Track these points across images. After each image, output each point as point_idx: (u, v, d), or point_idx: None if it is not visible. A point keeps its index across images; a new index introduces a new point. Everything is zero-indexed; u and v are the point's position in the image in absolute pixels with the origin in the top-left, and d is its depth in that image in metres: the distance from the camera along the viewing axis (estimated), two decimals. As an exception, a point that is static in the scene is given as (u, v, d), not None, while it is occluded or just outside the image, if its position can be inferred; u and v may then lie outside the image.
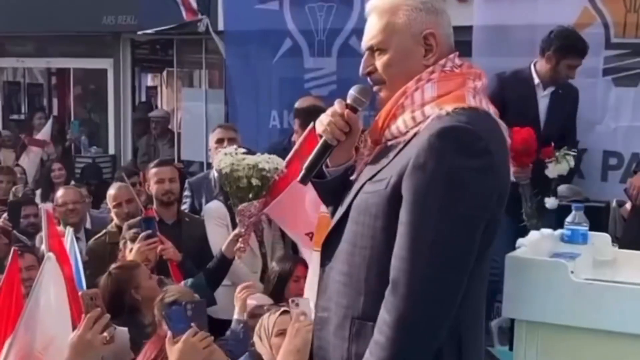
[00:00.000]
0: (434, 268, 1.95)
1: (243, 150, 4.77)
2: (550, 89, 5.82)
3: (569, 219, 2.74)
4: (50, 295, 3.07)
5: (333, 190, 2.38)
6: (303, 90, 7.82)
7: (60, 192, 6.18)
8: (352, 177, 2.32)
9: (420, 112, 2.09)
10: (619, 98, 6.68)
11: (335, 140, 2.28)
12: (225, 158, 4.66)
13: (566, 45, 5.81)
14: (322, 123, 2.30)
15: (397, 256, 2.00)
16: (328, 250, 2.27)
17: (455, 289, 1.97)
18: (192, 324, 3.06)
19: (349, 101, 2.30)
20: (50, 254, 3.23)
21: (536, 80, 5.78)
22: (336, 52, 7.74)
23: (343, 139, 2.30)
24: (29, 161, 9.53)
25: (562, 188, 5.66)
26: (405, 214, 2.00)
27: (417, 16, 2.16)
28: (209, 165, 9.07)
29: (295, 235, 4.86)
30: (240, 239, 4.74)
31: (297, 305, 2.99)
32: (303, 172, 2.34)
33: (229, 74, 8.42)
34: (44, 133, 9.99)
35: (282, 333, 3.58)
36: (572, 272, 2.23)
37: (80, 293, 3.06)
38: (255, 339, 3.66)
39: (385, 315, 1.99)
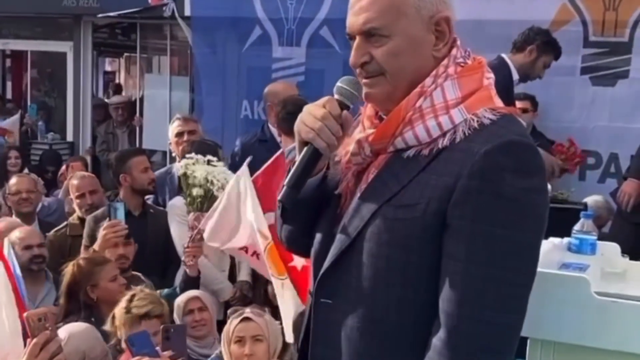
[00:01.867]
0: (501, 312, 1.66)
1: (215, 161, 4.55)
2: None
3: (576, 227, 2.54)
4: (1, 310, 2.73)
5: (304, 207, 1.95)
6: (270, 80, 7.60)
7: (13, 180, 5.93)
8: (338, 191, 1.93)
9: (447, 117, 1.75)
10: (596, 97, 6.60)
11: (328, 149, 1.85)
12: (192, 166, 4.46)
13: (550, 42, 5.70)
14: (309, 127, 1.84)
15: (450, 300, 1.67)
16: (327, 287, 1.86)
17: (514, 332, 1.69)
18: (157, 349, 2.82)
19: (336, 97, 1.86)
20: None
21: (515, 76, 5.63)
22: (306, 42, 7.54)
23: (336, 145, 1.86)
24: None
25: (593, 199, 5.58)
26: (461, 248, 1.67)
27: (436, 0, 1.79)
28: (173, 157, 8.83)
29: (230, 251, 4.62)
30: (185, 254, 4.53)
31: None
32: (286, 188, 1.87)
33: (195, 61, 8.15)
34: (11, 123, 9.55)
35: (239, 340, 3.55)
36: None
37: (25, 314, 2.44)
38: (221, 344, 3.60)
39: None
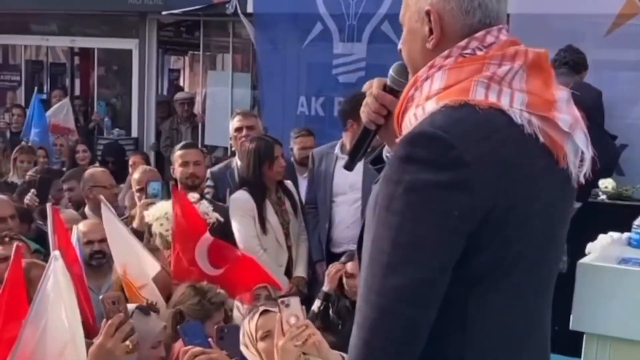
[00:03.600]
0: (386, 298, 1.64)
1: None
2: None
3: (637, 221, 2.50)
4: (59, 298, 2.80)
5: None
6: (331, 77, 7.66)
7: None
8: None
9: (422, 108, 1.72)
10: (663, 92, 6.44)
11: (372, 124, 1.97)
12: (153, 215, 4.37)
13: (581, 61, 5.67)
14: (365, 108, 1.99)
15: (360, 279, 1.74)
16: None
17: (410, 322, 1.64)
18: (210, 340, 2.87)
19: (388, 82, 1.96)
20: (57, 253, 2.93)
21: None
22: (367, 38, 7.54)
23: (381, 122, 1.97)
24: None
25: None
26: (369, 232, 1.71)
27: None
28: (233, 153, 8.90)
29: None
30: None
31: (287, 306, 2.70)
32: (347, 158, 2.08)
33: (257, 58, 8.21)
34: (67, 120, 9.76)
35: (267, 335, 3.27)
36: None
37: (101, 297, 2.75)
38: (242, 348, 3.30)
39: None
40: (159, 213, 4.29)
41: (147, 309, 3.20)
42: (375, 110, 1.94)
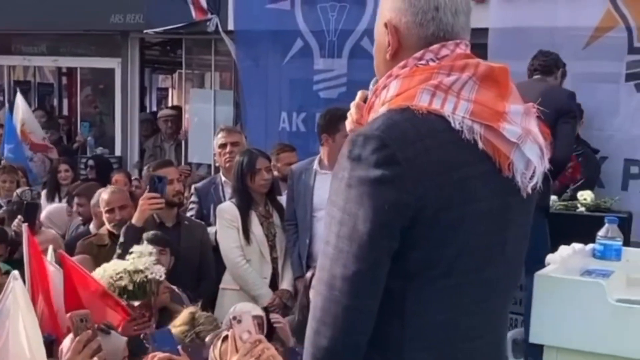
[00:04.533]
0: (329, 288, 1.74)
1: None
2: None
3: (601, 232, 2.49)
4: (16, 317, 2.80)
5: None
6: (312, 92, 7.68)
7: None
8: None
9: (374, 114, 1.84)
10: (642, 104, 6.46)
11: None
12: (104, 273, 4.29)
13: (549, 62, 5.71)
14: (350, 117, 2.10)
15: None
16: None
17: (349, 312, 1.74)
18: (178, 347, 2.89)
19: (369, 95, 2.00)
20: (15, 272, 2.97)
21: None
22: (347, 53, 7.56)
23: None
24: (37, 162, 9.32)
25: None
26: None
27: (389, 3, 1.88)
28: (217, 169, 8.90)
29: None
30: None
31: (239, 322, 2.70)
32: None
33: (239, 75, 8.22)
34: (37, 134, 9.61)
35: None
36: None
37: (68, 315, 2.78)
38: None
39: None
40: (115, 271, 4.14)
41: (107, 329, 3.21)
42: (356, 120, 2.04)
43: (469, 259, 1.78)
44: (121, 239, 4.55)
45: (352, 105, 2.08)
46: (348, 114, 2.08)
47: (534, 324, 2.05)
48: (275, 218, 5.17)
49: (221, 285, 5.11)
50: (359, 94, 2.06)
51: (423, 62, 1.82)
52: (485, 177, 1.77)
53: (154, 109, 12.21)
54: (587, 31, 6.59)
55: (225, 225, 5.05)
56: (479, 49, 7.18)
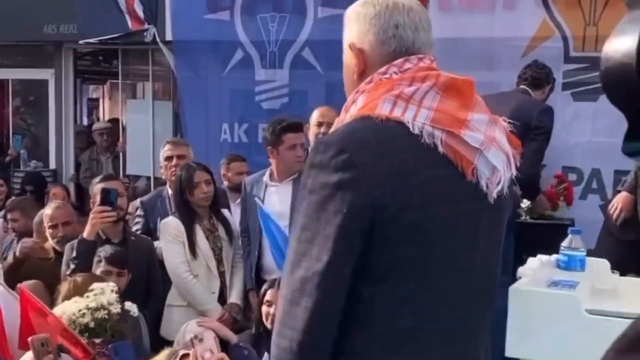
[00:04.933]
0: (290, 291, 1.81)
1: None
2: None
3: (564, 243, 2.52)
4: None
5: None
6: (254, 103, 7.64)
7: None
8: None
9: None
10: (578, 113, 6.60)
11: None
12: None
13: (541, 76, 5.82)
14: None
15: None
16: None
17: (310, 314, 1.77)
18: None
19: None
20: None
21: None
22: (289, 64, 7.55)
23: None
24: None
25: None
26: None
27: (351, 27, 2.01)
28: (157, 181, 8.78)
29: None
30: None
31: (200, 340, 2.70)
32: None
33: (178, 85, 8.13)
34: None
35: None
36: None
37: (30, 339, 2.73)
38: None
39: None
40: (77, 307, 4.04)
41: (59, 351, 3.15)
42: None
43: (434, 264, 1.82)
44: (73, 254, 4.49)
45: None
46: None
47: (510, 337, 2.06)
48: (221, 231, 5.12)
49: (167, 302, 5.03)
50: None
51: (387, 75, 1.91)
52: (448, 182, 1.83)
53: (85, 119, 12.00)
54: (524, 41, 6.71)
55: (170, 240, 4.98)
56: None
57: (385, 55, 1.94)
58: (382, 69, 1.92)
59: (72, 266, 4.38)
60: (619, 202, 5.14)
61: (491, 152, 1.86)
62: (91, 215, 4.60)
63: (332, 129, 2.03)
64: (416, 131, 1.80)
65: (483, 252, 1.91)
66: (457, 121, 1.84)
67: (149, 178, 8.87)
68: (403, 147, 1.80)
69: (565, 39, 6.67)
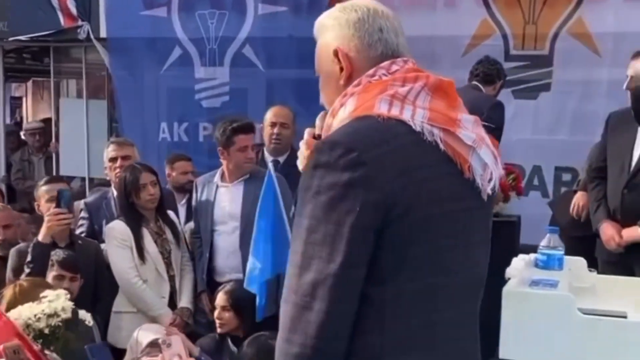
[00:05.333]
0: (300, 296, 1.75)
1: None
2: None
3: (543, 242, 2.52)
4: None
5: None
6: (194, 102, 7.52)
7: None
8: None
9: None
10: (518, 110, 6.69)
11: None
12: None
13: (492, 72, 5.87)
14: (300, 154, 2.09)
15: None
16: None
17: (324, 318, 1.73)
18: None
19: (317, 131, 2.08)
20: None
21: None
22: (229, 62, 7.44)
23: None
24: None
25: None
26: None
27: (331, 34, 2.00)
28: (91, 181, 8.58)
29: None
30: None
31: (169, 345, 2.64)
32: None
33: (113, 84, 7.94)
34: None
35: None
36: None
37: (1, 347, 2.62)
38: None
39: None
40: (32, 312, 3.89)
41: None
42: (306, 156, 2.00)
43: (439, 260, 1.83)
44: (29, 258, 4.38)
45: (302, 143, 2.09)
46: (299, 153, 2.09)
47: (504, 339, 2.04)
48: (168, 234, 5.00)
49: (115, 309, 4.88)
50: (307, 132, 2.08)
51: (376, 77, 1.91)
52: (449, 179, 1.84)
53: (8, 119, 11.64)
54: (465, 39, 6.78)
55: (117, 245, 4.82)
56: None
57: (372, 59, 1.94)
58: (370, 72, 1.91)
59: (27, 270, 4.27)
60: (578, 200, 5.20)
61: (482, 150, 1.89)
62: (46, 218, 4.47)
63: (321, 133, 2.01)
64: (417, 129, 1.80)
65: (477, 248, 1.94)
66: (450, 120, 1.86)
67: (83, 179, 8.65)
68: (407, 144, 1.80)
69: (505, 37, 6.77)
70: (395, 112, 1.82)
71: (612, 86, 6.33)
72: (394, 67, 1.92)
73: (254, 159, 5.12)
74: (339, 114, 1.91)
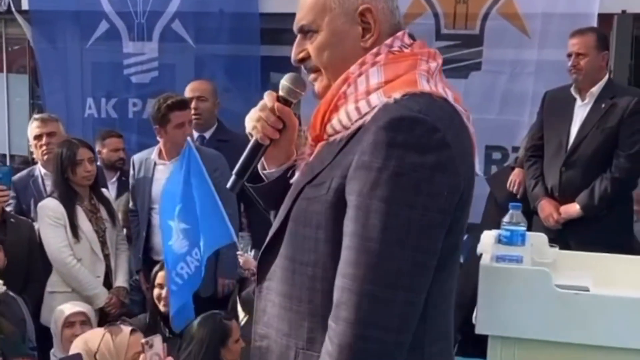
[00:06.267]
0: (381, 286, 1.62)
1: None
2: None
3: (506, 218, 2.54)
4: None
5: (274, 195, 2.03)
6: (123, 77, 7.33)
7: None
8: (292, 180, 1.98)
9: (365, 101, 1.77)
10: (449, 89, 6.73)
11: (267, 139, 1.98)
12: None
13: None
14: (251, 119, 1.98)
15: (340, 273, 1.67)
16: (264, 266, 1.93)
17: (408, 309, 1.64)
18: None
19: (281, 93, 1.99)
20: None
21: None
22: (157, 37, 7.26)
23: (276, 137, 1.99)
24: None
25: None
26: (349, 223, 1.67)
27: None
28: (12, 158, 8.30)
29: None
30: None
31: (151, 346, 2.63)
32: (233, 177, 2.01)
33: (36, 58, 7.67)
34: None
35: None
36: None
37: None
38: None
39: (328, 345, 1.67)
40: None
41: None
42: (272, 124, 1.95)
43: (458, 248, 1.81)
44: None
45: (262, 108, 1.97)
46: (255, 118, 1.97)
47: (481, 315, 2.05)
48: (103, 212, 4.90)
49: (48, 289, 4.78)
50: (268, 95, 1.98)
51: (395, 48, 1.83)
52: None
53: None
54: (395, 18, 6.77)
55: (50, 223, 4.73)
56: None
57: (391, 27, 1.87)
58: (389, 41, 1.84)
59: None
60: (515, 177, 5.29)
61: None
62: None
63: (289, 98, 1.95)
64: (460, 110, 1.77)
65: None
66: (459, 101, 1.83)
67: (4, 155, 8.36)
68: (461, 126, 1.75)
69: (436, 16, 6.79)
70: (440, 90, 1.76)
71: (540, 66, 6.47)
72: (407, 39, 1.87)
73: (192, 136, 5.05)
74: (357, 83, 1.80)
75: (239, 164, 2.00)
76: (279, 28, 7.51)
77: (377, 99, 1.75)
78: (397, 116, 1.66)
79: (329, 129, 1.85)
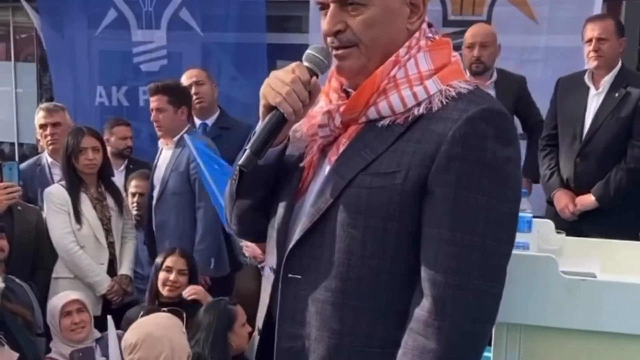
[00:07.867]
0: (486, 281, 1.64)
1: None
2: None
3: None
4: None
5: (263, 178, 1.92)
6: (132, 65, 7.34)
7: None
8: (302, 164, 1.89)
9: (421, 87, 1.74)
10: (456, 75, 6.70)
11: (294, 115, 1.80)
12: None
13: None
14: (276, 91, 1.79)
15: (437, 267, 1.64)
16: (297, 262, 1.80)
17: (499, 301, 1.67)
18: None
19: (306, 64, 1.84)
20: None
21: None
22: (165, 25, 7.27)
23: (302, 112, 1.83)
24: None
25: None
26: (444, 216, 1.65)
27: None
28: (20, 146, 8.35)
29: None
30: None
31: None
32: (248, 153, 1.79)
33: (45, 47, 7.68)
34: None
35: None
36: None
37: None
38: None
39: (427, 343, 1.63)
40: None
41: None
42: (304, 99, 1.81)
43: None
44: None
45: (292, 80, 1.78)
46: (286, 92, 1.78)
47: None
48: (110, 200, 4.93)
49: (54, 275, 4.82)
50: (297, 67, 1.81)
51: (430, 34, 1.82)
52: None
53: None
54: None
55: (55, 210, 4.78)
56: (296, 21, 7.20)
57: (426, 12, 1.85)
58: (424, 26, 1.83)
59: None
60: None
61: None
62: None
63: (318, 72, 1.83)
64: None
65: None
66: None
67: (12, 144, 8.41)
68: None
69: (443, 2, 6.77)
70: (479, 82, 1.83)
71: (549, 52, 6.44)
72: (433, 28, 1.85)
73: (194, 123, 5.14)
74: (407, 67, 1.77)
75: (256, 138, 1.80)
76: (285, 15, 7.53)
77: (435, 87, 1.74)
78: (486, 108, 1.68)
79: (371, 113, 1.79)
